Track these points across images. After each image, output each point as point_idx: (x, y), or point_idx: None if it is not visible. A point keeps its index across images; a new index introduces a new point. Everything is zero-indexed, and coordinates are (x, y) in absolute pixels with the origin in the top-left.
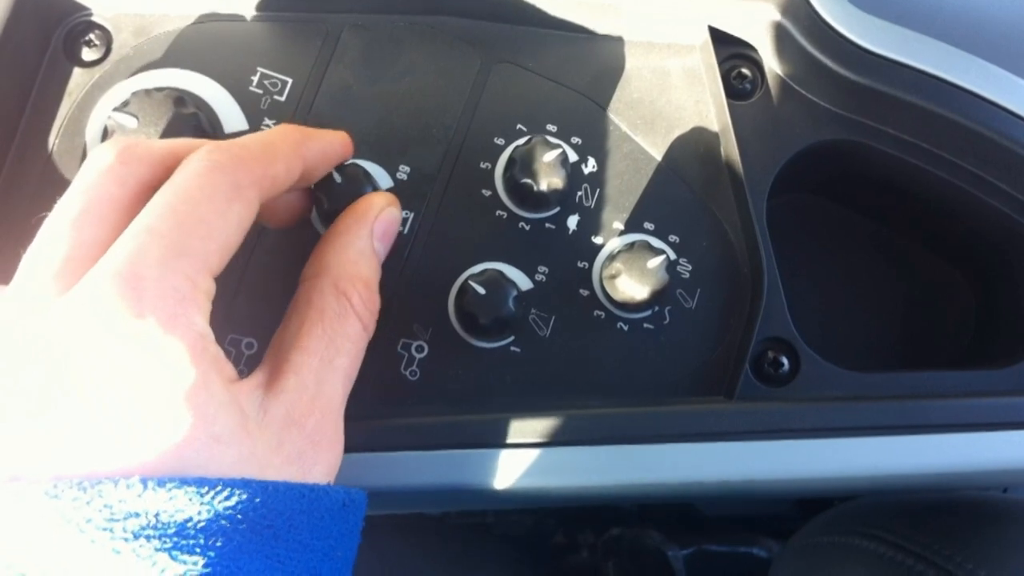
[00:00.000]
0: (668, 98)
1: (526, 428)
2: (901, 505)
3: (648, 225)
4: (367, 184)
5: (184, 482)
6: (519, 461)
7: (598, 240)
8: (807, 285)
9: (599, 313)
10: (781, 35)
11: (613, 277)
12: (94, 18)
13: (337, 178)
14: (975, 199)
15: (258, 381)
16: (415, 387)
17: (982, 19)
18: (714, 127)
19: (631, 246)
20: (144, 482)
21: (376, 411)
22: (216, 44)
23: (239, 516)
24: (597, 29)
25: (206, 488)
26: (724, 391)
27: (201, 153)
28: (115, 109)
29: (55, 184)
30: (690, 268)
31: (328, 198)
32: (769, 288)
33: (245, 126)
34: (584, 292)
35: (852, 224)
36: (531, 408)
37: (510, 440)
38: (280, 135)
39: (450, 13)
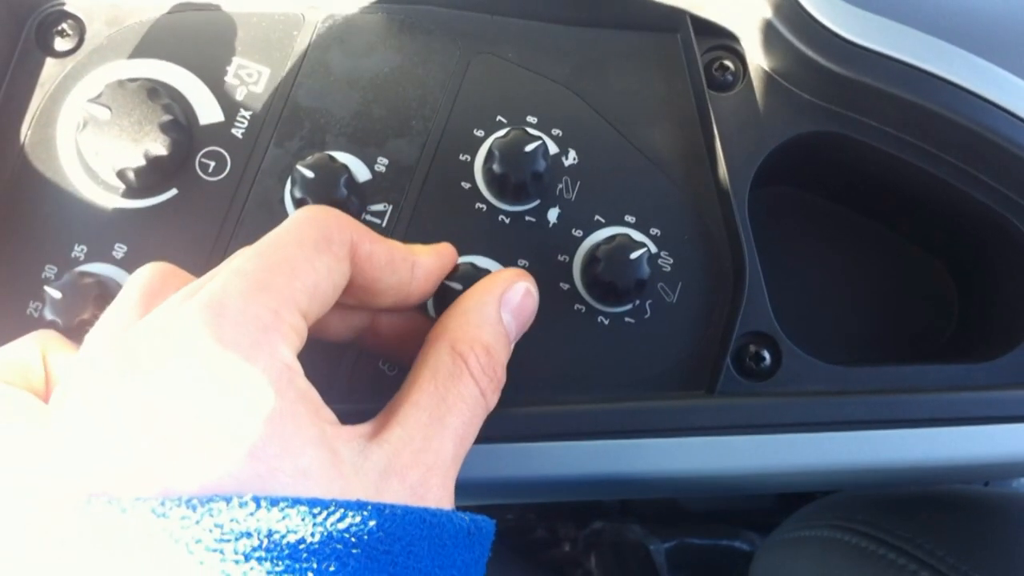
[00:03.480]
0: (649, 89)
1: (505, 423)
2: (882, 499)
3: (629, 218)
4: (341, 175)
5: (297, 501)
6: (497, 455)
7: (578, 233)
8: (789, 278)
9: (580, 307)
10: (763, 26)
11: (594, 271)
12: (67, 7)
13: (310, 173)
14: (957, 192)
15: (362, 431)
16: (394, 381)
17: (966, 11)
18: (695, 119)
19: (612, 239)
20: (257, 500)
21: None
22: (191, 34)
23: (353, 540)
24: (578, 20)
25: (319, 508)
26: (705, 386)
27: (297, 211)
28: (89, 100)
29: (28, 176)
30: (671, 261)
31: (303, 192)
32: (751, 282)
33: (220, 117)
34: (564, 286)
35: (835, 217)
36: (510, 403)
37: (488, 434)
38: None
39: (430, 3)
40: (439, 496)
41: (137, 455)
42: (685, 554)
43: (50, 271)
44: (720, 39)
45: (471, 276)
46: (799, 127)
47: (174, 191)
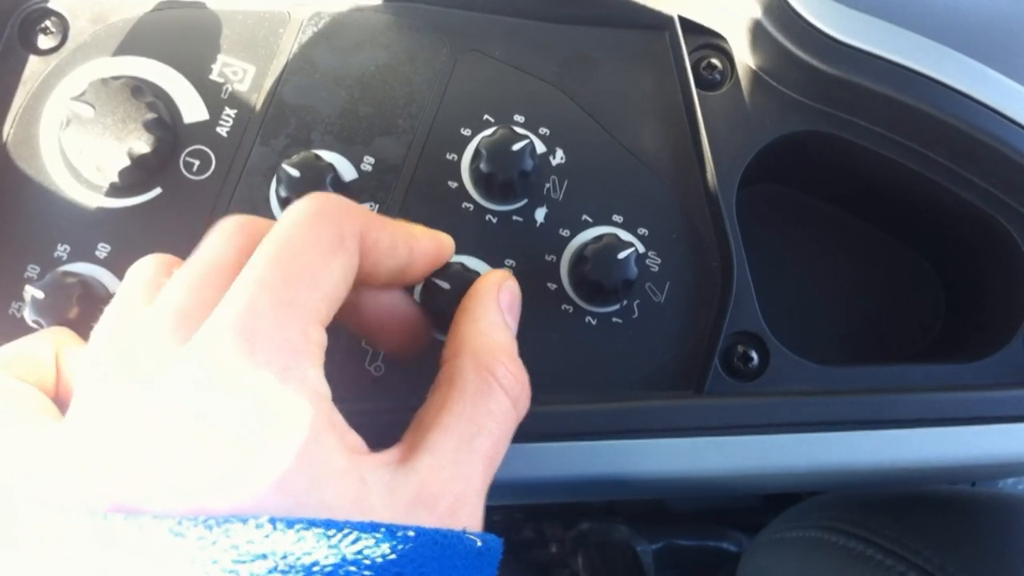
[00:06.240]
0: (637, 88)
1: None
2: (870, 499)
3: (617, 218)
4: (327, 174)
5: (312, 524)
6: None
7: (566, 233)
8: (777, 278)
9: (567, 307)
10: (751, 25)
11: (581, 270)
12: (50, 5)
13: (295, 172)
14: (945, 191)
15: (390, 458)
16: (379, 382)
17: (954, 10)
18: (683, 118)
19: (599, 239)
20: (273, 522)
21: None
22: (176, 31)
23: (367, 562)
24: (566, 18)
25: (333, 531)
26: (693, 386)
27: (304, 201)
28: (72, 98)
29: (10, 174)
30: (659, 261)
31: (288, 191)
32: (738, 281)
33: (205, 115)
34: (552, 286)
35: (822, 216)
36: None
37: None
38: (391, 219)
39: (417, 0)
40: (467, 524)
41: (160, 475)
42: (672, 555)
43: (32, 271)
44: (708, 38)
45: (460, 276)
46: (787, 126)
47: (158, 190)
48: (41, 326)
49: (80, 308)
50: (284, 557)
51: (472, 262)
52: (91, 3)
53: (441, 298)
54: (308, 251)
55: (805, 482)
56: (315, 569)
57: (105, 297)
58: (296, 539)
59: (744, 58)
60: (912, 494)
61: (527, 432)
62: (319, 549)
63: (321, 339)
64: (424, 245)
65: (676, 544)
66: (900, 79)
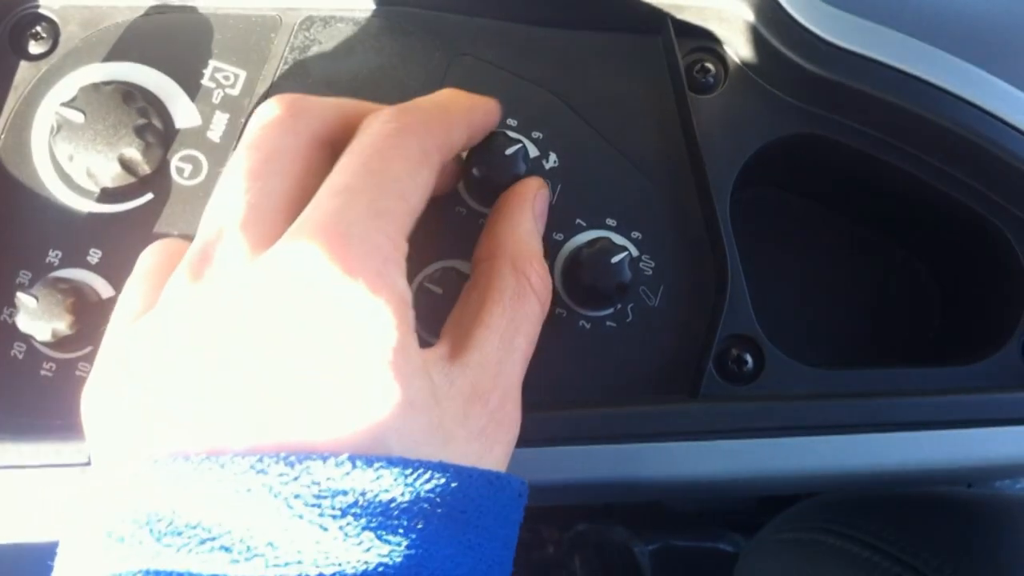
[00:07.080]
0: (630, 92)
1: None
2: (866, 501)
3: (610, 221)
4: None
5: (391, 462)
6: None
7: (559, 237)
8: (771, 281)
9: (561, 311)
10: (745, 28)
11: (575, 274)
12: (41, 10)
13: None
14: (940, 194)
15: (442, 353)
16: None
17: (948, 14)
18: (677, 121)
19: (593, 243)
20: (353, 460)
21: None
22: (167, 37)
23: (437, 499)
24: (559, 22)
25: (410, 470)
26: (688, 389)
27: (386, 115)
28: (63, 104)
29: (2, 180)
30: (653, 265)
31: None
32: (733, 284)
33: (198, 121)
34: None
35: (817, 219)
36: None
37: None
38: (451, 100)
39: (410, 4)
40: (512, 419)
41: (241, 410)
42: (669, 556)
43: (24, 277)
44: (701, 40)
45: (452, 280)
46: (781, 129)
47: (150, 195)
48: (34, 335)
49: (72, 314)
50: (363, 493)
51: (465, 266)
52: (82, 8)
53: (434, 302)
54: (397, 163)
55: (800, 485)
56: (392, 505)
57: (97, 303)
58: (375, 477)
59: (738, 61)
60: (909, 496)
61: (523, 437)
62: (396, 487)
63: (406, 250)
64: (479, 114)
65: (673, 545)
66: (893, 82)
